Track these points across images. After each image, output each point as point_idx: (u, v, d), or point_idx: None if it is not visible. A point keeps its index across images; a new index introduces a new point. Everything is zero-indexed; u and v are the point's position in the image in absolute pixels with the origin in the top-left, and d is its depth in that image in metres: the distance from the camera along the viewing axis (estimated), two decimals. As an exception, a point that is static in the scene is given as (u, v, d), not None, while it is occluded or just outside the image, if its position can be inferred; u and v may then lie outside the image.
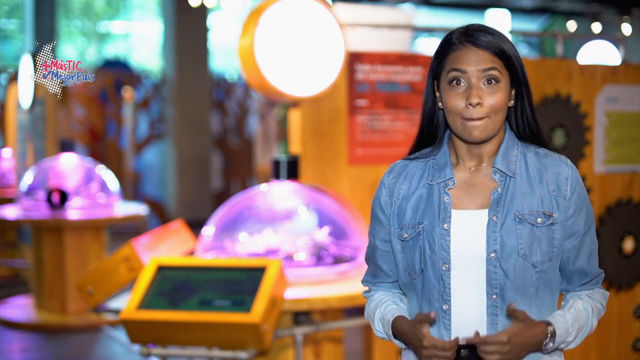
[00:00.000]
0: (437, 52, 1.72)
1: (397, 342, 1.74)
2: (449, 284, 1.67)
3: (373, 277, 1.86)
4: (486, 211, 1.68)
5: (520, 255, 1.64)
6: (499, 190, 1.69)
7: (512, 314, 1.59)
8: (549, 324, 1.64)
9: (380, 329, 1.78)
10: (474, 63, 1.65)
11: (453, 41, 1.69)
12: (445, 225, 1.68)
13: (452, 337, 1.66)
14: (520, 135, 1.75)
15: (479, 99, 1.64)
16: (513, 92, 1.72)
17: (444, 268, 1.67)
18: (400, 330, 1.69)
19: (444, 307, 1.68)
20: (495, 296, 1.65)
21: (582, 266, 1.73)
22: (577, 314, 1.69)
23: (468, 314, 1.67)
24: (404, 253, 1.73)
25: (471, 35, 1.68)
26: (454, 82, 1.67)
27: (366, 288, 1.90)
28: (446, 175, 1.72)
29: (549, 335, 1.63)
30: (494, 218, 1.66)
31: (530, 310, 1.67)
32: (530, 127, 1.75)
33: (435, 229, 1.68)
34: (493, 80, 1.66)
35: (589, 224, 1.73)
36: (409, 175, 1.77)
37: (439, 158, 1.75)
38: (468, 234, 1.67)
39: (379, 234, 1.80)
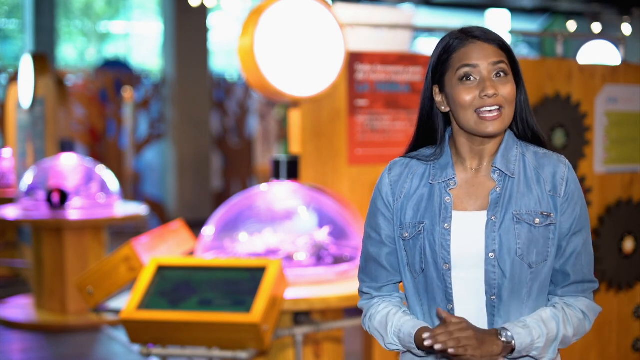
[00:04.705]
0: (439, 55, 1.72)
1: (419, 352, 1.68)
2: (451, 283, 1.67)
3: (374, 280, 1.79)
4: (485, 212, 1.68)
5: (517, 255, 1.65)
6: (498, 190, 1.69)
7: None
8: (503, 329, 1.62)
9: (395, 342, 1.71)
10: (484, 57, 1.67)
11: (455, 40, 1.70)
12: (446, 225, 1.68)
13: None
14: (520, 133, 1.76)
15: (494, 90, 1.65)
16: None
17: (444, 267, 1.67)
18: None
19: (448, 307, 1.68)
20: (494, 296, 1.66)
21: (565, 267, 1.70)
22: (540, 319, 1.65)
23: (470, 313, 1.67)
24: (405, 251, 1.74)
25: (474, 31, 1.70)
26: (465, 78, 1.67)
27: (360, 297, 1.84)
28: (448, 175, 1.72)
29: (500, 331, 1.61)
30: (493, 218, 1.67)
31: (523, 311, 1.67)
32: (530, 123, 1.75)
33: (435, 229, 1.68)
34: (502, 73, 1.67)
35: (581, 226, 1.71)
36: (410, 173, 1.76)
37: (441, 158, 1.75)
38: (468, 234, 1.67)
39: (384, 230, 1.76)
